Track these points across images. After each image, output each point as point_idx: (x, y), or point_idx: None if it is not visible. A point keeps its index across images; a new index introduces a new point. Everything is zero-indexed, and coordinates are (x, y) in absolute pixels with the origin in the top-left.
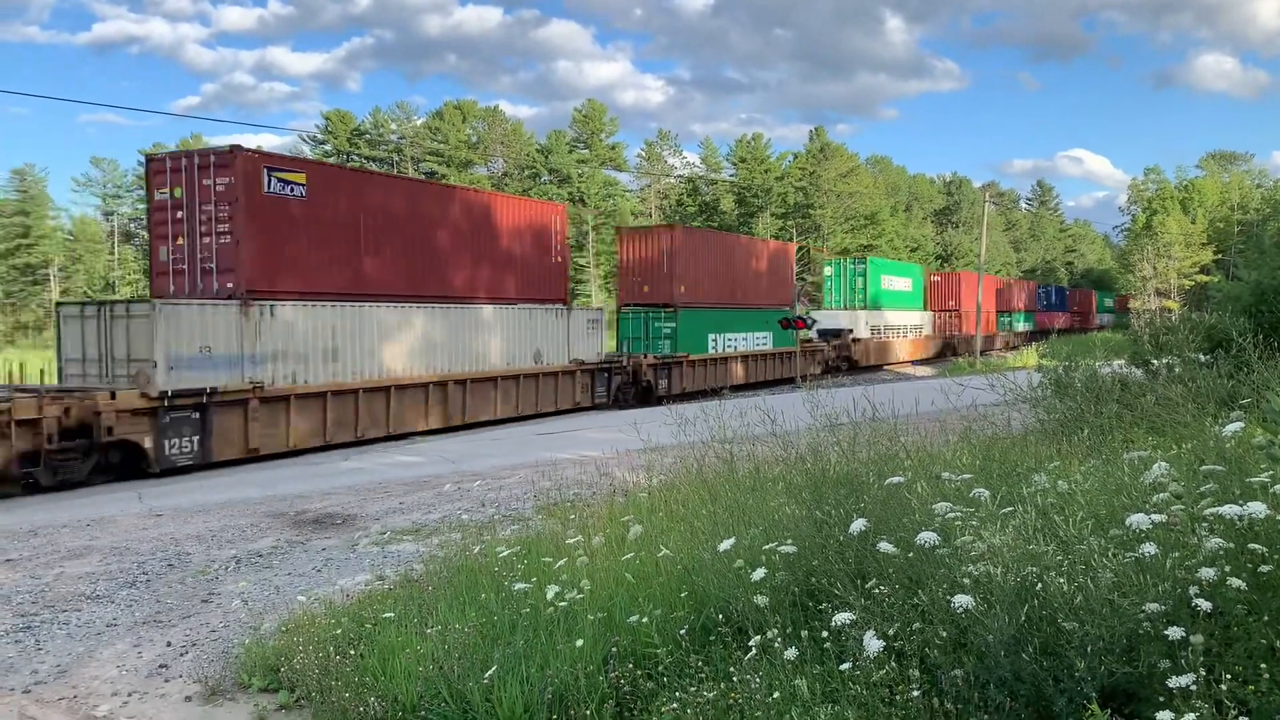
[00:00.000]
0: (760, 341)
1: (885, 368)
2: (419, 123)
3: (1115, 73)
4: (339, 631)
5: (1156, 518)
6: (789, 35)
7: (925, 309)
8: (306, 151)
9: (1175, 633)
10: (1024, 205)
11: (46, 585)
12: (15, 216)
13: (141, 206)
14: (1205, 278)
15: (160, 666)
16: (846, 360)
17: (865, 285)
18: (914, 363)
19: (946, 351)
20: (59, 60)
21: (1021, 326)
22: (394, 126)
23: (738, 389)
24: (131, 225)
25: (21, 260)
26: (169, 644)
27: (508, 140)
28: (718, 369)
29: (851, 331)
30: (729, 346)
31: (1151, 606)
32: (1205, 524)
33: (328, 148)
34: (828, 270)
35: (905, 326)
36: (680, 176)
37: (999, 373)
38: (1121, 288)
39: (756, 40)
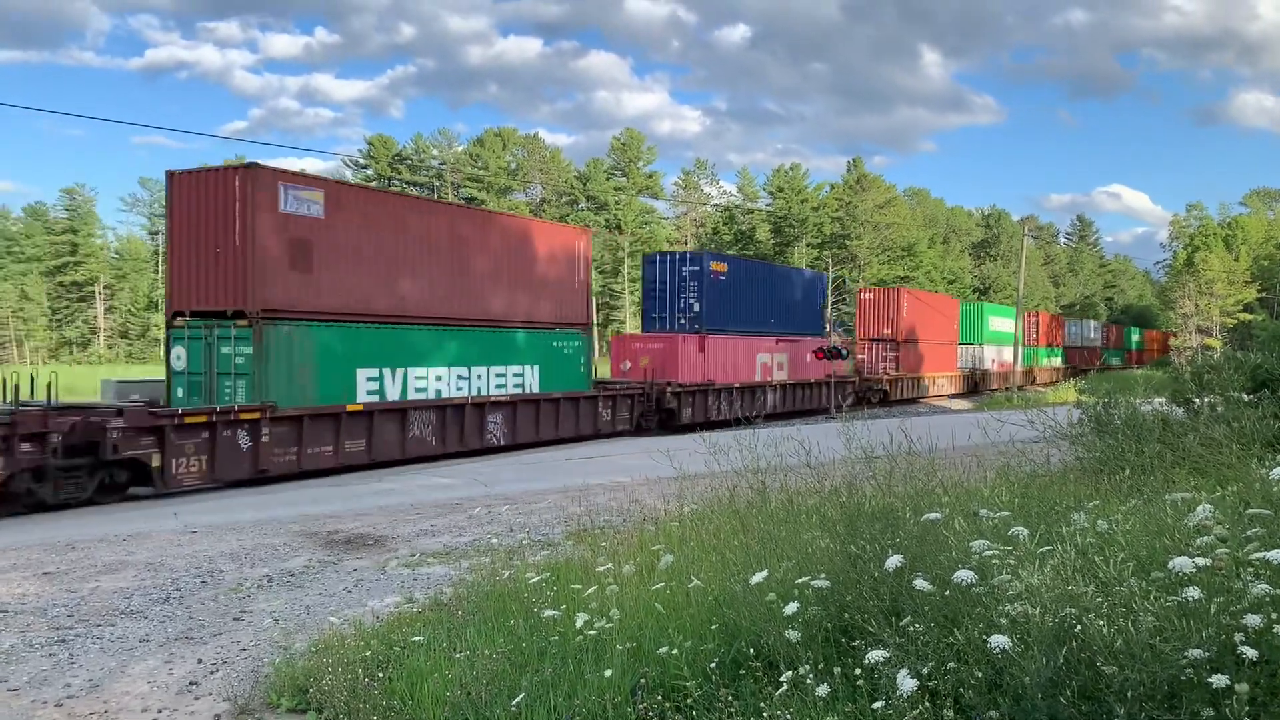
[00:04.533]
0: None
1: None
2: (460, 149)
3: (1155, 109)
4: (368, 654)
5: (1200, 561)
6: (825, 69)
7: None
8: (349, 175)
9: (1219, 680)
10: (1063, 240)
11: (82, 599)
12: (64, 234)
13: None
14: (1249, 316)
15: (190, 684)
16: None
17: None
18: None
19: None
20: (112, 84)
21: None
22: (435, 152)
23: (769, 418)
24: None
25: (69, 277)
26: (200, 661)
27: (546, 167)
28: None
29: None
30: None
31: (1194, 652)
32: (1251, 569)
33: (370, 171)
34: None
35: None
36: (717, 205)
37: (1038, 408)
38: (1161, 325)
39: (793, 73)
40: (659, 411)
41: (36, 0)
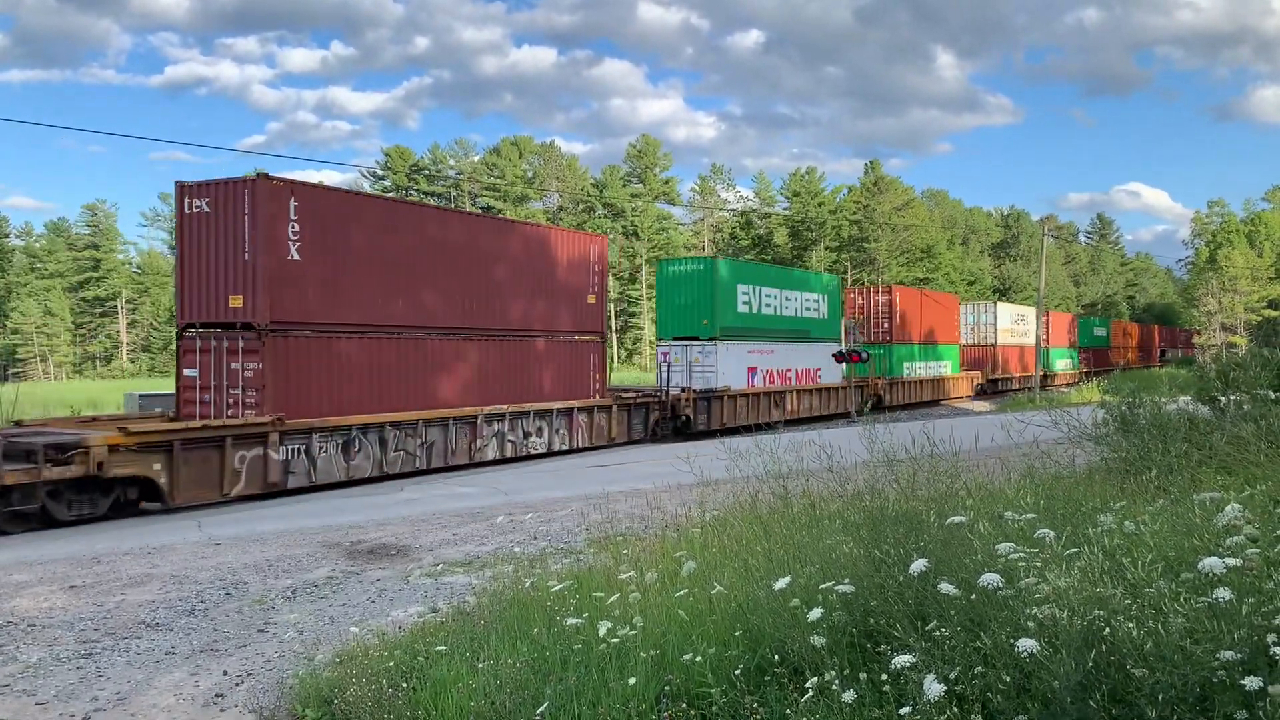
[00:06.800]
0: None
1: None
2: (476, 159)
3: (1172, 107)
4: (391, 664)
5: (1231, 561)
6: (839, 72)
7: None
8: (367, 187)
9: (1252, 683)
10: (1083, 239)
11: (108, 612)
12: (86, 250)
13: None
14: (1274, 312)
15: (216, 695)
16: None
17: None
18: None
19: None
20: (133, 101)
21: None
22: (452, 162)
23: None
24: None
25: (91, 293)
26: (225, 673)
27: (563, 175)
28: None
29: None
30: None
31: (1226, 654)
32: None
33: (388, 183)
34: None
35: None
36: (733, 210)
37: (1061, 408)
38: (1184, 322)
39: (807, 77)
40: None
41: (59, 20)
